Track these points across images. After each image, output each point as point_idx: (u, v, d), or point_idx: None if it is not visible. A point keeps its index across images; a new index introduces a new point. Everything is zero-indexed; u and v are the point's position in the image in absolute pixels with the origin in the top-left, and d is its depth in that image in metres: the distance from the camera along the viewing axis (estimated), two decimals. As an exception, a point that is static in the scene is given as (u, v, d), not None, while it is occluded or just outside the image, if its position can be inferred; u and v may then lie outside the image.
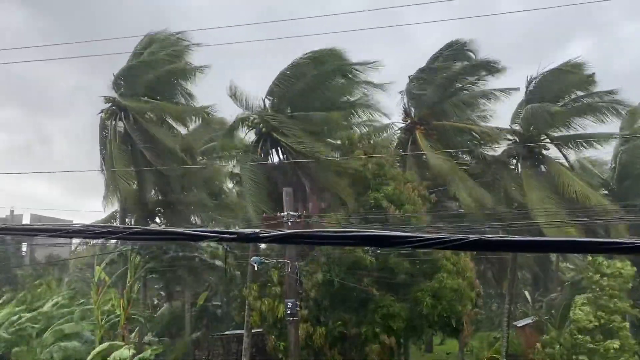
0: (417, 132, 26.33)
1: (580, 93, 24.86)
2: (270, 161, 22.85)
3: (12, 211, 58.90)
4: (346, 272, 19.42)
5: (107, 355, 17.61)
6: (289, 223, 15.85)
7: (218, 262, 27.80)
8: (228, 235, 3.65)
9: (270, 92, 22.78)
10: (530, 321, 29.59)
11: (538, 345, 23.38)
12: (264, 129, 22.53)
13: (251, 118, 22.96)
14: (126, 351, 17.84)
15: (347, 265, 19.41)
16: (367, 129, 25.78)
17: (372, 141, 25.21)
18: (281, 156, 22.96)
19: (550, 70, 24.22)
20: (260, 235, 3.56)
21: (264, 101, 22.89)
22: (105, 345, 18.03)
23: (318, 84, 22.96)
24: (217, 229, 3.82)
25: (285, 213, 16.24)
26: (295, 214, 16.22)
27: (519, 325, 28.91)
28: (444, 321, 20.25)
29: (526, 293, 36.52)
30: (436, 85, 26.87)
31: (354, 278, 19.55)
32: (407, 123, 27.83)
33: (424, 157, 26.03)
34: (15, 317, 19.67)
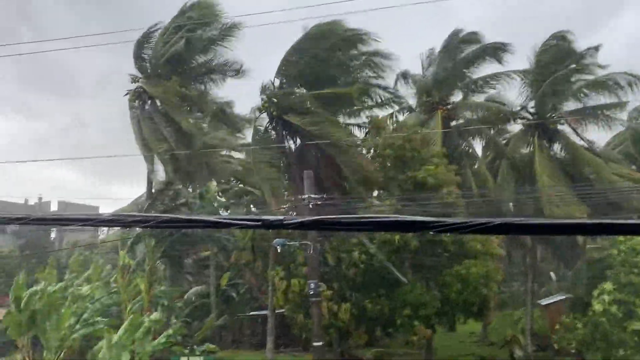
0: (438, 112, 26.12)
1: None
2: (283, 144, 22.90)
3: (40, 199, 60.27)
4: (375, 252, 19.49)
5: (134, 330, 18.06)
6: (311, 206, 15.94)
7: (241, 244, 28.12)
8: (252, 223, 3.70)
9: (279, 73, 22.74)
10: (555, 300, 29.38)
11: (562, 324, 23.24)
12: (274, 113, 22.54)
13: (262, 103, 23.00)
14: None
15: (376, 245, 19.49)
16: (387, 110, 25.70)
17: (396, 122, 25.16)
18: (294, 139, 23.00)
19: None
20: (284, 222, 3.59)
21: (272, 83, 22.88)
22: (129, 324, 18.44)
23: (325, 60, 22.78)
24: (241, 216, 3.86)
25: (307, 196, 16.32)
26: (317, 196, 16.29)
27: (543, 303, 28.75)
28: (471, 305, 20.28)
29: (551, 272, 36.22)
30: (454, 66, 26.66)
31: (382, 258, 19.62)
32: (426, 103, 27.63)
33: (445, 137, 25.90)
34: (45, 291, 20.27)
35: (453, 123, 26.42)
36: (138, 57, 27.38)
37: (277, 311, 25.06)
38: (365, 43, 22.58)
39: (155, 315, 20.60)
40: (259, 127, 23.73)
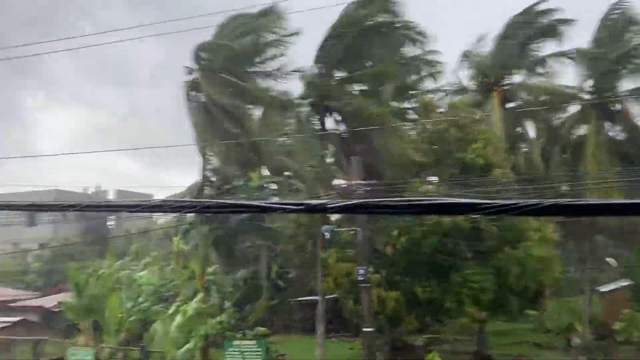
0: (494, 93, 25.37)
1: None
2: (326, 131, 22.84)
3: (98, 187, 62.75)
4: (426, 236, 19.24)
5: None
6: (358, 192, 15.87)
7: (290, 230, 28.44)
8: (295, 207, 3.69)
9: (317, 59, 22.66)
10: (615, 287, 28.23)
11: (625, 313, 22.35)
12: (316, 99, 22.53)
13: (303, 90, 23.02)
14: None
15: (427, 230, 19.23)
16: (439, 91, 25.15)
17: (446, 104, 24.62)
18: (339, 124, 22.90)
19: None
20: (328, 206, 3.56)
21: (313, 69, 22.84)
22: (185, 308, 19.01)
23: (365, 40, 22.45)
24: (285, 201, 3.86)
25: (354, 182, 16.27)
26: (364, 182, 16.21)
27: (603, 290, 27.68)
28: (529, 291, 19.73)
29: (610, 257, 34.80)
30: (512, 46, 25.80)
31: (434, 243, 19.35)
32: (482, 84, 26.85)
33: (501, 119, 25.19)
34: (103, 277, 21.19)
35: (510, 105, 25.61)
36: (195, 49, 28.12)
37: (327, 297, 25.24)
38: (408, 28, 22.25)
39: (208, 300, 21.18)
40: (302, 113, 23.84)
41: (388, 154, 20.79)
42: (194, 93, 27.81)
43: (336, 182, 21.32)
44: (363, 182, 15.68)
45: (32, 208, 4.19)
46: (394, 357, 21.50)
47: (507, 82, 26.17)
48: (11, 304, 31.61)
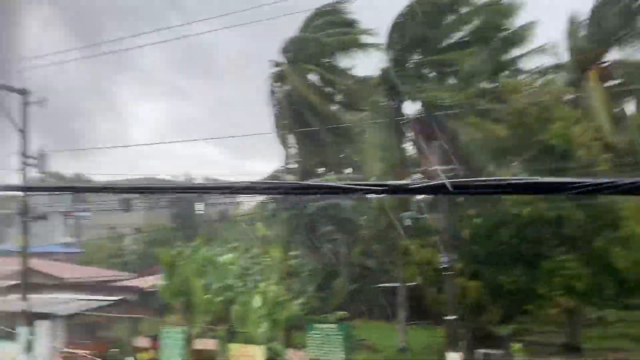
0: (589, 72, 23.78)
1: None
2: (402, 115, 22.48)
3: (187, 175, 65.70)
4: (510, 223, 18.62)
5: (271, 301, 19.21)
6: (440, 177, 15.57)
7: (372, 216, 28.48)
8: (378, 187, 3.70)
9: (389, 43, 22.28)
10: None
11: None
12: (391, 82, 22.20)
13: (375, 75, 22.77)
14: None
15: (511, 217, 18.59)
16: (529, 71, 23.83)
17: (536, 84, 23.32)
18: (416, 108, 22.47)
19: None
20: (410, 186, 3.54)
21: (386, 52, 22.48)
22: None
23: (443, 18, 21.74)
24: (367, 182, 3.87)
25: (435, 167, 15.98)
26: (447, 166, 15.87)
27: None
28: (630, 277, 18.41)
29: None
30: (612, 19, 23.99)
31: (518, 230, 18.68)
32: (578, 62, 25.20)
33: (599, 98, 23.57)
34: (192, 259, 22.29)
35: (608, 84, 23.85)
36: (283, 42, 28.98)
37: (408, 283, 25.06)
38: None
39: (289, 283, 21.70)
40: (381, 100, 23.68)
41: (470, 138, 20.16)
42: (278, 84, 28.68)
43: (417, 167, 20.99)
44: (445, 167, 15.35)
45: (131, 191, 4.42)
46: (476, 346, 21.01)
47: (606, 59, 24.36)
48: (111, 285, 34.00)
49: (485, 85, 23.46)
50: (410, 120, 22.81)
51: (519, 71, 23.54)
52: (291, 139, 29.06)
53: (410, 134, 23.78)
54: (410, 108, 23.33)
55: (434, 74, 21.74)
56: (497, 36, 22.24)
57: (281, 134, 28.36)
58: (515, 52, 22.93)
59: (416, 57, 22.51)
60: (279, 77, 29.17)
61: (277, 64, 29.22)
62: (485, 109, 20.72)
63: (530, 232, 18.69)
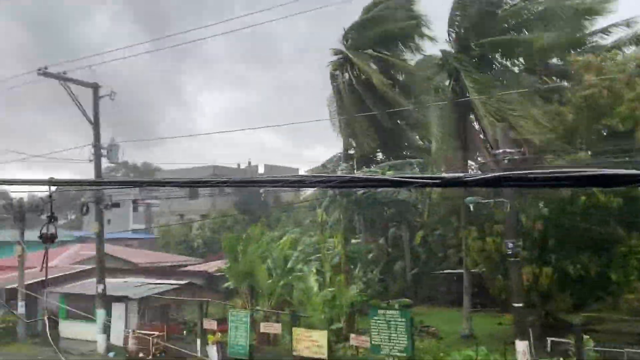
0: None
1: None
2: (465, 98, 21.76)
3: (249, 162, 67.11)
4: (577, 211, 17.86)
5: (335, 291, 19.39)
6: (505, 161, 15.07)
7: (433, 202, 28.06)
8: (432, 181, 3.61)
9: (451, 23, 21.61)
10: None
11: None
12: (451, 66, 21.56)
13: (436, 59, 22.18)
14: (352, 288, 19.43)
15: (577, 204, 17.81)
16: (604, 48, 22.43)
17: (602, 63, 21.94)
18: (477, 93, 21.67)
19: None
20: (465, 179, 3.43)
21: (448, 34, 21.82)
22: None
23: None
24: (421, 174, 3.80)
25: (500, 150, 15.46)
26: (511, 151, 15.31)
27: None
28: None
29: None
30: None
31: (586, 215, 17.88)
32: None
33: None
34: (255, 245, 22.83)
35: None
36: (344, 29, 28.97)
37: (472, 270, 24.57)
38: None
39: (351, 269, 21.78)
40: (440, 84, 23.17)
41: (535, 121, 19.30)
42: (338, 72, 28.74)
43: (481, 152, 20.41)
44: (508, 151, 14.82)
45: (191, 184, 4.57)
46: (545, 335, 20.34)
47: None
48: (180, 269, 35.41)
49: (556, 64, 22.39)
50: (474, 103, 22.15)
51: (595, 48, 22.22)
52: (351, 125, 28.99)
53: (474, 118, 23.12)
54: (475, 91, 22.65)
55: (499, 54, 20.92)
56: (570, 10, 21.02)
57: (341, 120, 28.41)
58: (590, 26, 21.64)
59: (481, 38, 21.76)
60: (340, 65, 29.26)
61: (338, 51, 29.29)
62: (554, 89, 19.79)
63: (598, 216, 17.82)
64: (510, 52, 20.97)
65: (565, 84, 20.68)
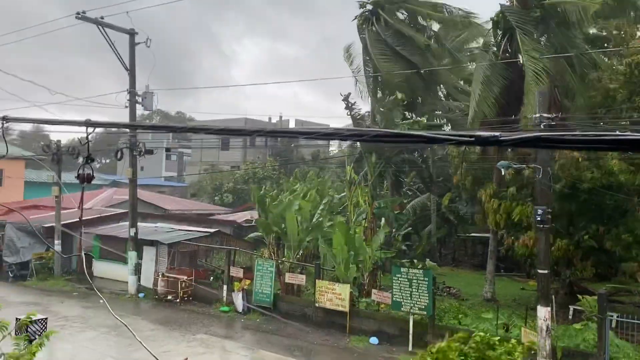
0: None
1: None
2: (515, 61, 21.00)
3: (280, 117, 67.09)
4: (600, 179, 17.45)
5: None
6: (542, 126, 14.68)
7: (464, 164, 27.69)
8: (466, 139, 3.58)
9: None
10: None
11: None
12: (507, 26, 20.75)
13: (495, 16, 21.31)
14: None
15: (601, 172, 17.40)
16: None
17: None
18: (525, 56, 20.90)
19: None
20: (500, 138, 3.38)
21: None
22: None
23: None
24: (455, 132, 3.75)
25: (538, 115, 15.05)
26: (549, 115, 14.89)
27: None
28: None
29: None
30: None
31: (615, 186, 17.47)
32: None
33: None
34: (283, 198, 23.10)
35: None
36: None
37: (499, 234, 24.44)
38: None
39: (377, 227, 21.89)
40: (490, 42, 22.45)
41: (579, 86, 18.66)
42: (366, 25, 27.96)
43: (519, 114, 19.89)
44: (548, 116, 14.41)
45: (225, 132, 4.63)
46: (570, 303, 20.30)
47: None
48: (210, 217, 36.19)
49: (606, 30, 21.42)
50: (517, 64, 21.48)
51: None
52: (381, 82, 28.42)
53: (515, 79, 22.45)
54: (523, 50, 21.94)
55: (556, 19, 20.02)
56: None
57: (370, 76, 27.79)
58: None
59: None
60: (366, 18, 28.40)
61: (362, 5, 28.39)
62: (601, 57, 19.01)
63: (628, 188, 17.41)
64: (565, 17, 20.02)
65: (615, 51, 19.81)
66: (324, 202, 23.98)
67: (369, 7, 28.43)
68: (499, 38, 21.78)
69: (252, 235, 24.62)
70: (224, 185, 48.68)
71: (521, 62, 20.09)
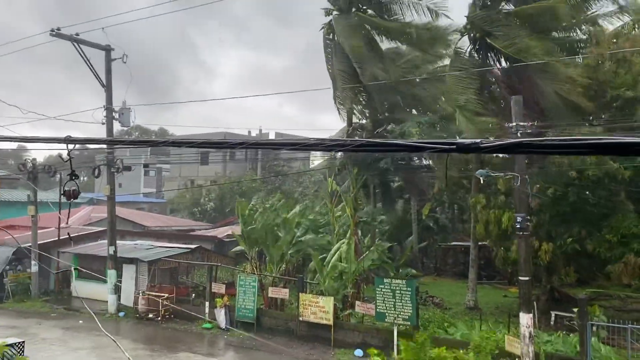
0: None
1: None
2: (485, 67, 21.35)
3: (260, 130, 67.11)
4: (582, 184, 17.78)
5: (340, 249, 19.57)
6: (519, 134, 14.91)
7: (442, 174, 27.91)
8: (447, 146, 3.60)
9: None
10: None
11: None
12: (476, 35, 21.10)
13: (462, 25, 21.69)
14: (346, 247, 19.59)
15: (585, 177, 17.72)
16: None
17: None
18: (500, 62, 21.30)
19: None
20: (481, 145, 3.41)
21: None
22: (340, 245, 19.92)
23: None
24: (436, 140, 3.77)
25: (514, 123, 15.28)
26: (525, 124, 15.14)
27: None
28: None
29: None
30: None
31: (594, 190, 17.81)
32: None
33: None
34: (265, 212, 22.95)
35: None
36: None
37: (479, 243, 24.65)
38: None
39: (359, 238, 21.90)
40: (459, 49, 22.73)
41: (549, 93, 19.02)
42: (331, 35, 26.45)
43: (496, 120, 20.17)
44: (524, 124, 14.64)
45: (207, 145, 4.58)
46: (550, 309, 20.51)
47: None
48: (190, 233, 35.83)
49: (578, 36, 21.91)
50: (490, 71, 21.83)
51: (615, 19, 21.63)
52: (356, 93, 27.45)
53: (490, 86, 22.83)
54: (493, 58, 22.30)
55: (518, 26, 20.43)
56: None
57: (342, 88, 26.23)
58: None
59: (502, 6, 21.28)
60: (331, 28, 26.60)
61: (328, 13, 26.60)
62: (571, 61, 19.42)
63: (606, 192, 17.75)
64: (532, 19, 20.39)
65: (585, 54, 20.25)
66: (307, 216, 23.92)
67: (336, 14, 26.98)
68: (470, 48, 22.13)
69: (236, 249, 24.34)
70: (204, 200, 48.30)
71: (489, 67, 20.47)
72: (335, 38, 25.71)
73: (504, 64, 21.72)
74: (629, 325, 14.75)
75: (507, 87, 20.71)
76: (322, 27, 26.64)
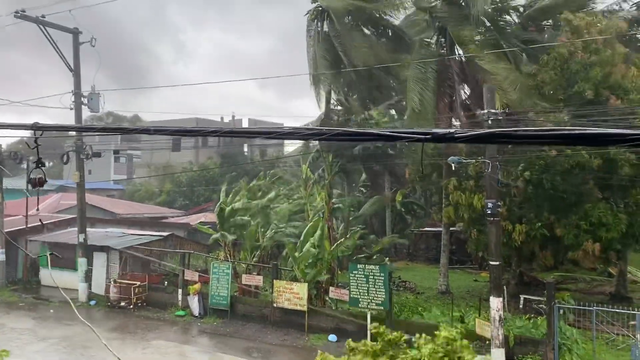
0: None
1: None
2: (446, 57, 21.53)
3: (233, 116, 66.49)
4: (556, 172, 18.16)
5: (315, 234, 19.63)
6: (490, 122, 15.12)
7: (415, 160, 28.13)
8: (422, 136, 3.62)
9: None
10: None
11: None
12: (438, 24, 21.26)
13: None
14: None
15: (558, 165, 18.10)
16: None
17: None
18: (458, 51, 21.51)
19: None
20: (456, 135, 3.44)
21: None
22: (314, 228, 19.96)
23: None
24: (411, 129, 3.80)
25: (486, 111, 15.48)
26: (497, 111, 15.35)
27: None
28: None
29: None
30: None
31: (565, 178, 18.21)
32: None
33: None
34: (240, 206, 22.83)
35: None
36: None
37: (451, 228, 25.03)
38: None
39: (334, 225, 21.99)
40: (426, 40, 22.86)
41: (519, 82, 19.24)
42: (316, 22, 26.61)
43: (465, 111, 20.42)
44: (496, 111, 14.85)
45: (180, 133, 4.55)
46: (519, 293, 21.02)
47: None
48: (162, 220, 35.44)
49: (547, 25, 22.16)
50: (457, 61, 21.99)
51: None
52: (332, 81, 27.59)
53: (457, 76, 22.97)
54: (458, 49, 22.46)
55: (487, 14, 20.59)
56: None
57: (319, 74, 26.49)
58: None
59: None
60: (317, 13, 26.79)
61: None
62: (540, 51, 19.66)
63: (576, 179, 18.17)
64: (501, 10, 20.63)
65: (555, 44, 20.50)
66: (282, 203, 23.88)
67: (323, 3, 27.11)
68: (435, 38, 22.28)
69: (214, 236, 24.13)
70: (175, 188, 47.76)
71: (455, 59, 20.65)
72: (320, 25, 25.88)
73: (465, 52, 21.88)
74: (594, 308, 15.21)
75: (464, 79, 20.96)
76: (307, 12, 26.65)
